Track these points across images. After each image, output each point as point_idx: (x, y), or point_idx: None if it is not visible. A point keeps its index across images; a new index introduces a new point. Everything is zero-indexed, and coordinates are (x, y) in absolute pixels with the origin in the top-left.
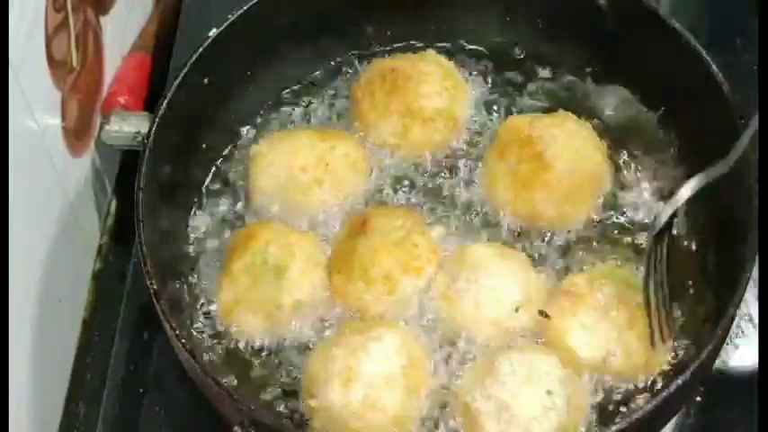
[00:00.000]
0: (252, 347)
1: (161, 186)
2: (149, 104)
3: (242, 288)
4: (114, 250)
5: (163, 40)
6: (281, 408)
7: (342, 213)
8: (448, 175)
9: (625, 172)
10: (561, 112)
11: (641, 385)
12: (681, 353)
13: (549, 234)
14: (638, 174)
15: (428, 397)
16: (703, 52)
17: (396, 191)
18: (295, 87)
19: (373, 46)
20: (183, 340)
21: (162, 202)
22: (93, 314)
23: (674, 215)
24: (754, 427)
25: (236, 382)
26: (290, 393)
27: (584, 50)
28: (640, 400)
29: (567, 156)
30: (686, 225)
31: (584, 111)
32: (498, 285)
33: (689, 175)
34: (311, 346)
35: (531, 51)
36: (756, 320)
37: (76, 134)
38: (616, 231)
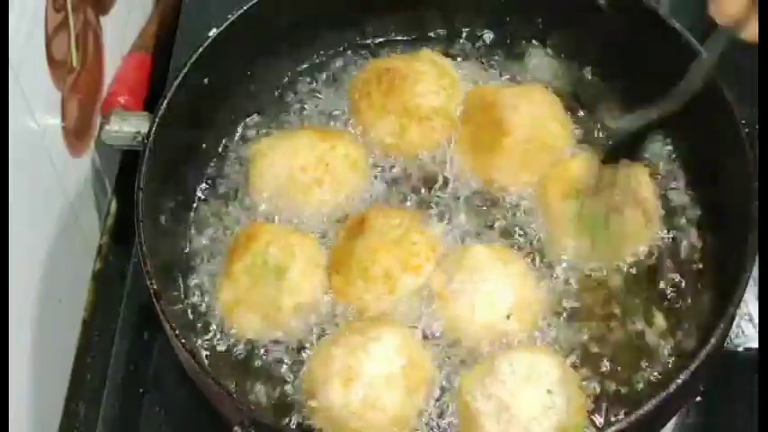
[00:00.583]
0: (252, 347)
1: (161, 186)
2: (149, 104)
3: (242, 289)
4: (114, 250)
5: (163, 40)
6: (282, 408)
7: (341, 213)
8: (446, 174)
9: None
10: (531, 84)
11: (642, 385)
12: (681, 353)
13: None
14: None
15: (428, 397)
16: (703, 52)
17: (395, 190)
18: (295, 87)
19: (372, 45)
20: (183, 340)
21: (162, 202)
22: (93, 314)
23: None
24: (754, 427)
25: (236, 382)
26: (291, 393)
27: (583, 50)
28: (640, 399)
29: (525, 124)
30: (686, 225)
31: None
32: (493, 290)
33: (689, 175)
34: (311, 346)
35: (530, 50)
36: (756, 320)
37: (76, 134)
38: None
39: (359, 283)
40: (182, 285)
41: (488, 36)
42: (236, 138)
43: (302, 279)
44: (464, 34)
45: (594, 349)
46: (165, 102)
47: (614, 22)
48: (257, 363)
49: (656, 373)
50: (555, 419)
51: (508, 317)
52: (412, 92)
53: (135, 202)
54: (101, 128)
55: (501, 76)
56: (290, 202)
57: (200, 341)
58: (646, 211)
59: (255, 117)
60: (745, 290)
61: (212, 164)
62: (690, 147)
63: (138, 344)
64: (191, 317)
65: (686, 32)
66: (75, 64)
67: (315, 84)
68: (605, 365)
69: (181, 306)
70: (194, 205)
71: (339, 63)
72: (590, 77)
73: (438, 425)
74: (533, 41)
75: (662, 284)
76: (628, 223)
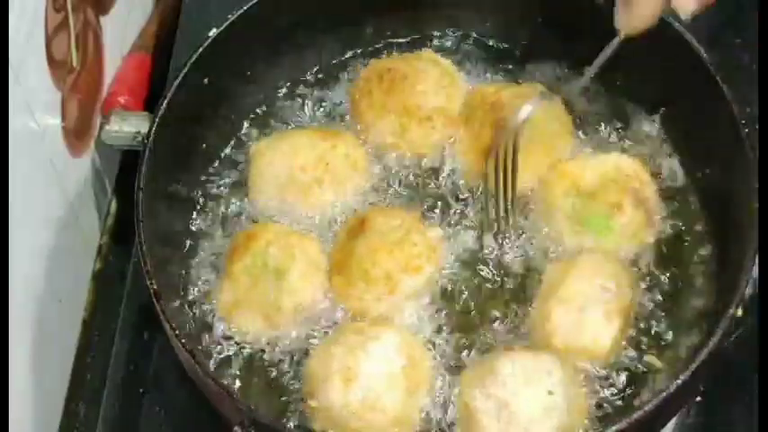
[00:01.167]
0: (251, 348)
1: (161, 186)
2: (149, 104)
3: (242, 289)
4: (114, 250)
5: (163, 40)
6: (281, 408)
7: (341, 212)
8: (446, 174)
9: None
10: (532, 84)
11: (642, 385)
12: (681, 352)
13: None
14: None
15: (428, 397)
16: (703, 52)
17: (395, 190)
18: (295, 87)
19: (373, 46)
20: (183, 340)
21: (162, 202)
22: (93, 314)
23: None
24: (754, 427)
25: (235, 382)
26: (291, 393)
27: (583, 50)
28: (640, 400)
29: (527, 125)
30: (686, 225)
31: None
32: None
33: (688, 174)
34: (311, 346)
35: (530, 51)
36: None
37: (76, 134)
38: None
39: (359, 284)
40: (182, 285)
41: (489, 36)
42: (236, 138)
43: (302, 280)
44: (464, 34)
45: None
46: (165, 102)
47: (613, 21)
48: (257, 363)
49: (656, 374)
50: (556, 420)
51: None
52: (412, 92)
53: (135, 202)
54: (101, 128)
55: (501, 76)
56: (291, 202)
57: (199, 341)
58: (647, 210)
59: (255, 117)
60: (745, 290)
61: (212, 164)
62: (690, 146)
63: (138, 344)
64: (191, 317)
65: (686, 32)
66: (75, 64)
67: (315, 83)
68: (605, 365)
69: (181, 306)
70: (194, 205)
71: (339, 63)
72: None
73: (438, 425)
74: (533, 41)
75: (662, 284)
76: (629, 223)
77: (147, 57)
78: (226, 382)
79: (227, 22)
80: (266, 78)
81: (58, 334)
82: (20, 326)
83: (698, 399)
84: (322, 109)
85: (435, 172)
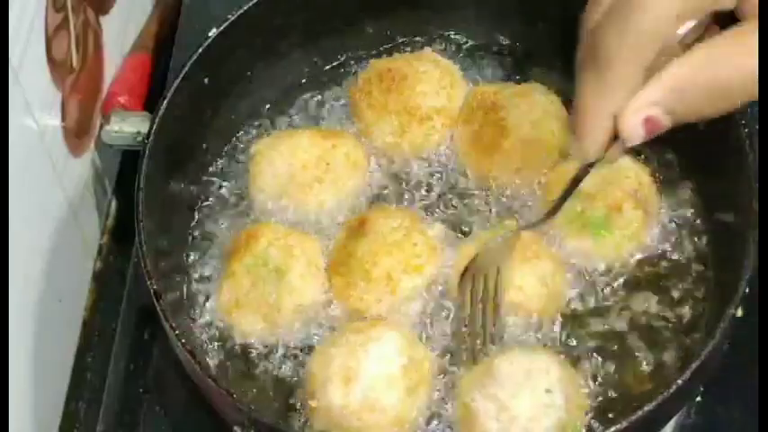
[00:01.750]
0: (251, 348)
1: (161, 186)
2: (149, 104)
3: (242, 289)
4: (114, 250)
5: (163, 40)
6: (281, 408)
7: (342, 213)
8: (447, 173)
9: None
10: (532, 83)
11: (642, 385)
12: (681, 353)
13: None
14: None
15: (428, 397)
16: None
17: (395, 190)
18: (295, 87)
19: (373, 46)
20: (183, 340)
21: (162, 202)
22: (93, 314)
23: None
24: (754, 427)
25: (236, 382)
26: (290, 394)
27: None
28: (640, 400)
29: (526, 124)
30: (687, 225)
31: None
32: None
33: (688, 175)
34: (311, 346)
35: (530, 50)
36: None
37: (76, 134)
38: None
39: (360, 284)
40: (182, 285)
41: (489, 36)
42: (237, 137)
43: (302, 280)
44: (465, 34)
45: (594, 349)
46: (165, 102)
47: None
48: (257, 363)
49: (656, 374)
50: (554, 418)
51: None
52: (413, 91)
53: (135, 202)
54: (101, 128)
55: (501, 76)
56: (291, 202)
57: (200, 341)
58: (647, 211)
59: (256, 116)
60: (745, 290)
61: (212, 164)
62: (690, 146)
63: (138, 344)
64: (191, 317)
65: None
66: (75, 64)
67: (315, 83)
68: (605, 365)
69: (181, 306)
70: (194, 205)
71: (339, 63)
72: None
73: (438, 425)
74: (533, 41)
75: (661, 284)
76: (628, 224)
77: (147, 57)
78: (225, 383)
79: (227, 22)
80: (266, 78)
81: (58, 334)
82: (20, 326)
83: (698, 399)
84: (322, 109)
85: (436, 172)
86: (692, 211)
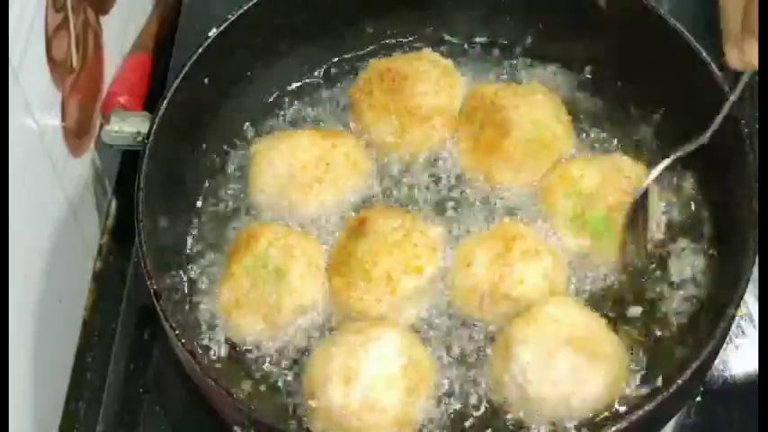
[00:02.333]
0: (252, 348)
1: (161, 186)
2: (149, 104)
3: (242, 290)
4: (114, 250)
5: (163, 40)
6: (282, 408)
7: (342, 212)
8: (446, 174)
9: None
10: (532, 83)
11: (642, 385)
12: (681, 353)
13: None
14: None
15: (428, 397)
16: (703, 52)
17: (395, 190)
18: (295, 87)
19: (373, 46)
20: (183, 340)
21: (162, 202)
22: (93, 314)
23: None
24: (754, 427)
25: (236, 382)
26: (290, 394)
27: (583, 50)
28: (640, 399)
29: (526, 124)
30: (686, 224)
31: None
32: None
33: (688, 175)
34: (311, 347)
35: (530, 50)
36: (756, 320)
37: (76, 134)
38: None
39: (359, 284)
40: (182, 286)
41: (489, 36)
42: (237, 137)
43: (303, 280)
44: (465, 35)
45: None
46: (165, 102)
47: (614, 21)
48: (257, 363)
49: (656, 373)
50: None
51: None
52: (413, 91)
53: (135, 202)
54: (101, 128)
55: (501, 76)
56: (291, 202)
57: (200, 341)
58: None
59: (255, 117)
60: (745, 290)
61: (212, 164)
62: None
63: (138, 344)
64: (191, 317)
65: (686, 32)
66: (75, 64)
67: (315, 83)
68: None
69: (181, 306)
70: (194, 205)
71: (339, 63)
72: (589, 77)
73: (438, 425)
74: (534, 41)
75: (661, 284)
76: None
77: (147, 57)
78: (225, 383)
79: (227, 22)
80: (266, 78)
81: (58, 334)
82: (20, 326)
83: (698, 399)
84: (322, 109)
85: (435, 172)
86: (692, 210)
